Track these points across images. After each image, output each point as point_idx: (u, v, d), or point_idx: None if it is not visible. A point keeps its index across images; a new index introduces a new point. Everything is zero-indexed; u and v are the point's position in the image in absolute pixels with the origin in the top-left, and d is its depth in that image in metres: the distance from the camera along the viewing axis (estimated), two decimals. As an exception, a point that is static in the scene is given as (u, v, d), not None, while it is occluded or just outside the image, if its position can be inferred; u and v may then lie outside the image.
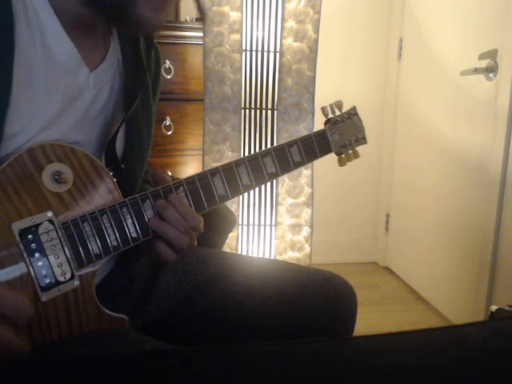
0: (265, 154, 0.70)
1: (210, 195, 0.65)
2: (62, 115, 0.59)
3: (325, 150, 0.78)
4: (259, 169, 0.70)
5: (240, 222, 1.74)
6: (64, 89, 0.59)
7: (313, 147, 0.76)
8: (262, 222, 1.75)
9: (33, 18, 0.56)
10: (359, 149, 0.86)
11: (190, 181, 0.64)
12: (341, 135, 0.81)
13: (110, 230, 0.58)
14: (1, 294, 0.48)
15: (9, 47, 0.52)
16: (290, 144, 0.73)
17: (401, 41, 2.24)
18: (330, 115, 0.82)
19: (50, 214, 0.55)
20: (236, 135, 1.69)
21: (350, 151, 0.84)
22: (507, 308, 1.08)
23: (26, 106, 0.55)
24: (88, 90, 0.63)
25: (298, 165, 0.74)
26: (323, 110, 0.81)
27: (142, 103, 0.71)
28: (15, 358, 0.46)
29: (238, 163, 0.68)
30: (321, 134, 0.78)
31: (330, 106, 0.82)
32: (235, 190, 0.67)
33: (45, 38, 0.57)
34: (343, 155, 0.83)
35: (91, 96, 0.63)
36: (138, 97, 0.67)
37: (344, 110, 0.84)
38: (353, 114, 0.85)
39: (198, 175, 0.64)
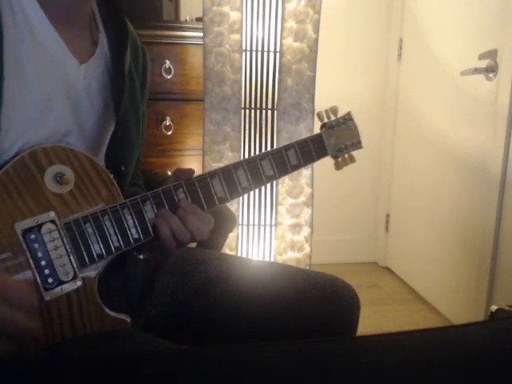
0: (263, 157, 0.71)
1: (209, 197, 0.66)
2: (52, 106, 0.60)
3: (321, 153, 0.80)
4: (257, 171, 0.71)
5: (240, 222, 1.74)
6: (52, 79, 0.60)
7: (309, 150, 0.77)
8: (262, 222, 1.75)
9: (18, 10, 0.56)
10: (358, 152, 0.87)
11: (190, 182, 0.65)
12: (337, 139, 0.83)
13: (111, 231, 0.59)
14: (3, 278, 0.49)
15: None
16: (287, 147, 0.74)
17: (401, 41, 2.24)
18: (326, 120, 0.83)
19: (52, 214, 0.55)
20: (236, 135, 1.69)
21: (346, 155, 0.86)
22: (507, 308, 1.08)
23: (18, 97, 0.56)
24: (77, 83, 0.64)
25: (295, 168, 0.75)
26: (319, 115, 0.83)
27: (131, 102, 0.72)
28: (15, 358, 0.46)
29: (237, 166, 0.68)
30: (317, 138, 0.79)
31: (326, 111, 0.83)
32: (234, 192, 0.68)
33: (31, 30, 0.58)
34: (340, 159, 0.85)
35: (81, 89, 0.64)
36: (124, 94, 0.68)
37: (339, 115, 0.85)
38: (348, 119, 0.86)
39: (197, 177, 0.65)
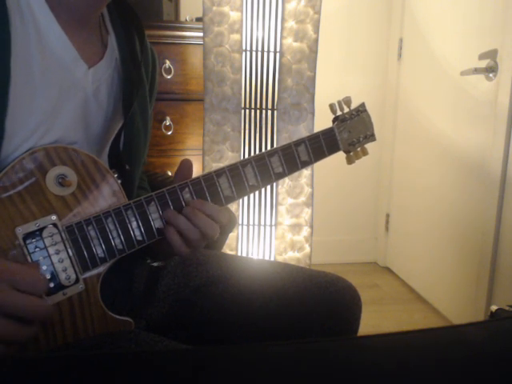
0: (272, 153, 0.68)
1: (215, 196, 0.64)
2: (60, 110, 0.59)
3: (333, 148, 0.76)
4: (266, 169, 0.68)
5: (240, 222, 1.74)
6: (61, 83, 0.59)
7: (321, 146, 0.74)
8: (262, 222, 1.74)
9: (26, 12, 0.55)
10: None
11: (196, 182, 0.62)
12: (349, 133, 0.79)
13: (114, 233, 0.57)
14: (7, 265, 0.49)
15: (5, 41, 0.52)
16: (298, 143, 0.71)
17: (401, 41, 2.24)
18: (339, 112, 0.79)
19: (54, 217, 0.54)
20: (236, 135, 1.69)
21: (359, 148, 0.82)
22: (507, 308, 1.08)
23: (25, 100, 0.55)
24: (87, 87, 0.62)
25: (305, 164, 0.72)
26: (331, 106, 0.78)
27: (140, 104, 0.71)
28: (15, 358, 0.46)
29: (245, 163, 0.66)
30: (329, 133, 0.76)
31: (339, 102, 0.79)
32: (241, 190, 0.66)
33: (39, 32, 0.56)
34: (352, 153, 0.81)
35: (90, 93, 0.63)
36: (135, 97, 0.67)
37: (352, 106, 0.81)
38: (361, 110, 0.83)
39: (203, 176, 0.63)
